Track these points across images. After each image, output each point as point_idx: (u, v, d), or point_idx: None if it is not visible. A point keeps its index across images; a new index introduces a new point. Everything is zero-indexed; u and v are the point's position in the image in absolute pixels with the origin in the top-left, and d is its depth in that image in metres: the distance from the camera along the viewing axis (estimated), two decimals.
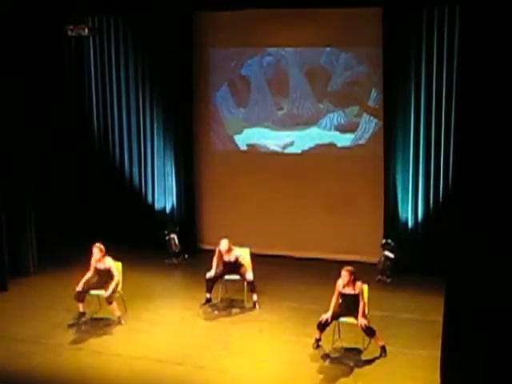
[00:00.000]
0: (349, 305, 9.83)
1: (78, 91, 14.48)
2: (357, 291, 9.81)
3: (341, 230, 13.56)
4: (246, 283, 11.62)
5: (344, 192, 13.51)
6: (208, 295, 11.55)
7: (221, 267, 11.58)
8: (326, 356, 9.84)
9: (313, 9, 12.92)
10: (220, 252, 11.59)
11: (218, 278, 11.55)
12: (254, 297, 11.57)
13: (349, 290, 9.81)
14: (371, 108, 13.23)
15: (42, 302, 11.67)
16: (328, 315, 9.79)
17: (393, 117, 12.71)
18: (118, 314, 10.97)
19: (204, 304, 11.55)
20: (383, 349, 9.78)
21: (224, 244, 11.52)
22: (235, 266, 11.60)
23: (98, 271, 11.05)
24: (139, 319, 11.09)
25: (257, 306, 11.52)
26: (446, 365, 8.27)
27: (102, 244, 11.04)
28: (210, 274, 11.49)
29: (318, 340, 9.90)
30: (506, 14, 7.22)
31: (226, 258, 11.55)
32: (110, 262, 11.03)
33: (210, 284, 11.51)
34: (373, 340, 9.79)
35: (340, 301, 9.91)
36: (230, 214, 13.85)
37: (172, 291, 12.39)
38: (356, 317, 9.74)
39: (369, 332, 9.69)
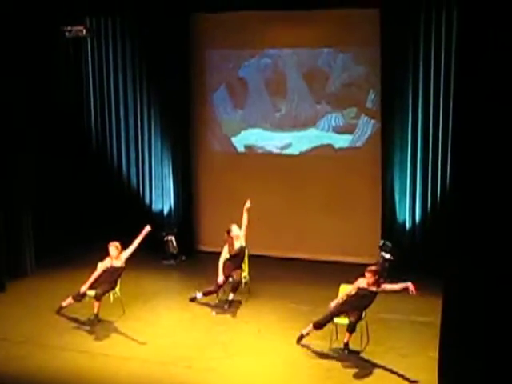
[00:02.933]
0: (362, 299, 9.87)
1: (76, 92, 14.48)
2: (379, 290, 9.85)
3: (338, 232, 13.57)
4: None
5: (341, 193, 13.53)
6: (203, 294, 11.59)
7: (228, 267, 11.60)
8: (324, 357, 9.83)
9: (310, 10, 12.95)
10: (230, 238, 11.68)
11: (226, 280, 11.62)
12: (231, 295, 11.52)
13: (372, 288, 9.84)
14: (369, 109, 13.24)
15: (40, 303, 11.63)
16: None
17: (390, 118, 12.73)
18: (96, 311, 10.93)
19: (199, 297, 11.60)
20: (346, 345, 9.87)
21: (235, 229, 11.69)
22: (241, 258, 11.69)
23: (108, 269, 11.00)
24: (137, 320, 11.07)
25: (226, 307, 11.46)
26: (444, 366, 8.27)
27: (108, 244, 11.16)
28: (220, 280, 11.55)
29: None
30: (503, 16, 7.24)
31: (237, 244, 11.64)
32: (123, 261, 11.09)
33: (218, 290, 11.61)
34: (347, 335, 9.83)
35: (353, 296, 9.93)
36: (227, 215, 13.77)
37: (169, 292, 12.37)
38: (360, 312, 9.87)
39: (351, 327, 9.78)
